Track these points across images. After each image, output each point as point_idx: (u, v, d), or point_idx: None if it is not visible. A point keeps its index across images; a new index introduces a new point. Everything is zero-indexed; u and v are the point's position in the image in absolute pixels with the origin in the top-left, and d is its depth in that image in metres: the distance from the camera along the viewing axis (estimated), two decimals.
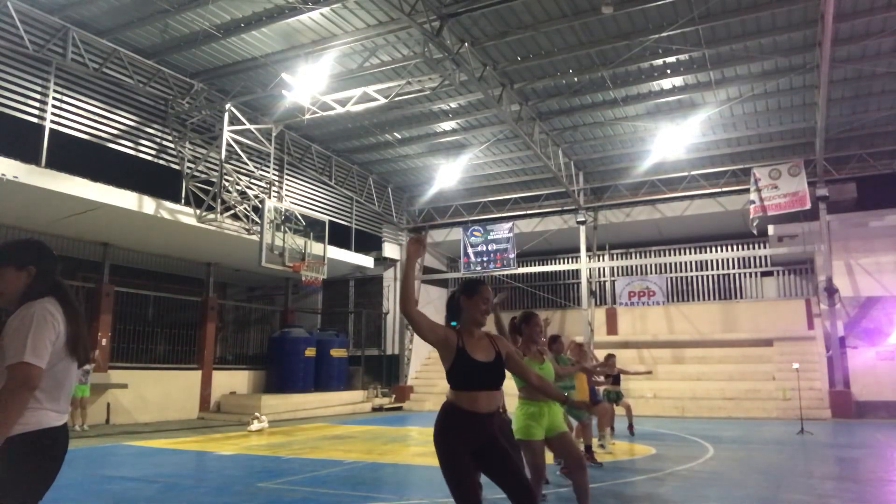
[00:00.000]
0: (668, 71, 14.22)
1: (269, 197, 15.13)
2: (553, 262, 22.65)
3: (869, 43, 12.73)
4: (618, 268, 22.27)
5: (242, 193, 15.35)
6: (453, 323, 3.50)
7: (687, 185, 19.33)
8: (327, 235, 16.75)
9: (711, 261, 21.34)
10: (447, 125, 17.32)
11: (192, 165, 15.40)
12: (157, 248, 16.27)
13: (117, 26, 12.78)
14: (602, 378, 11.13)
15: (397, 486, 7.60)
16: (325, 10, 12.01)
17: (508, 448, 3.43)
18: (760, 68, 13.99)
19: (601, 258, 22.15)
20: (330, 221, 17.68)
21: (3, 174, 10.68)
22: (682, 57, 13.52)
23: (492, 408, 3.40)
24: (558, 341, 7.83)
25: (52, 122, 12.74)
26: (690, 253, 21.09)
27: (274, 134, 16.16)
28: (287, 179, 18.38)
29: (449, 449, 3.28)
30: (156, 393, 15.47)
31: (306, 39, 13.13)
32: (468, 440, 3.30)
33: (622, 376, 11.95)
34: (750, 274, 21.30)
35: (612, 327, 21.60)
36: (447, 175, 19.23)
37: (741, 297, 21.10)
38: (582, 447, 8.41)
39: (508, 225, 20.87)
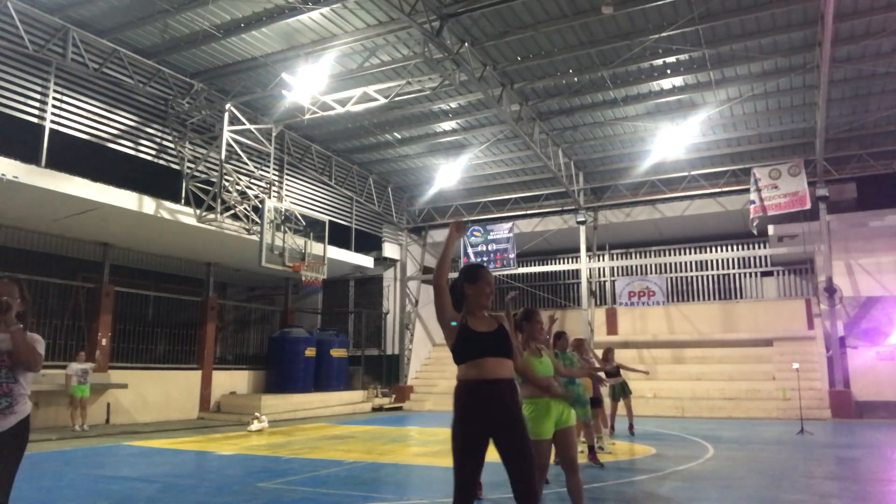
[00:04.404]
0: (668, 71, 14.22)
1: (269, 197, 15.12)
2: (553, 262, 22.66)
3: (869, 43, 12.73)
4: (618, 268, 22.27)
5: (242, 193, 15.35)
6: (453, 323, 3.50)
7: (687, 185, 19.33)
8: (327, 235, 16.74)
9: (711, 261, 21.35)
10: (447, 125, 17.32)
11: (192, 165, 15.40)
12: (157, 248, 16.27)
13: (117, 26, 12.79)
14: (604, 375, 11.15)
15: (397, 486, 7.60)
16: (325, 10, 12.01)
17: (527, 440, 3.36)
18: (760, 68, 13.99)
19: (601, 258, 22.15)
20: (330, 221, 17.68)
21: (3, 174, 10.68)
22: (682, 57, 13.52)
23: (501, 374, 3.38)
24: (563, 337, 7.81)
25: (52, 122, 12.74)
26: (690, 253, 21.09)
27: (274, 134, 16.16)
28: (287, 179, 18.38)
29: (459, 425, 3.31)
30: (156, 393, 15.47)
31: (306, 39, 13.13)
32: (481, 413, 3.29)
33: (622, 372, 11.93)
34: (750, 274, 21.30)
35: (612, 327, 21.59)
36: (447, 175, 19.22)
37: (741, 297, 21.10)
38: (585, 447, 8.41)
39: (508, 225, 20.87)
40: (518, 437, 3.32)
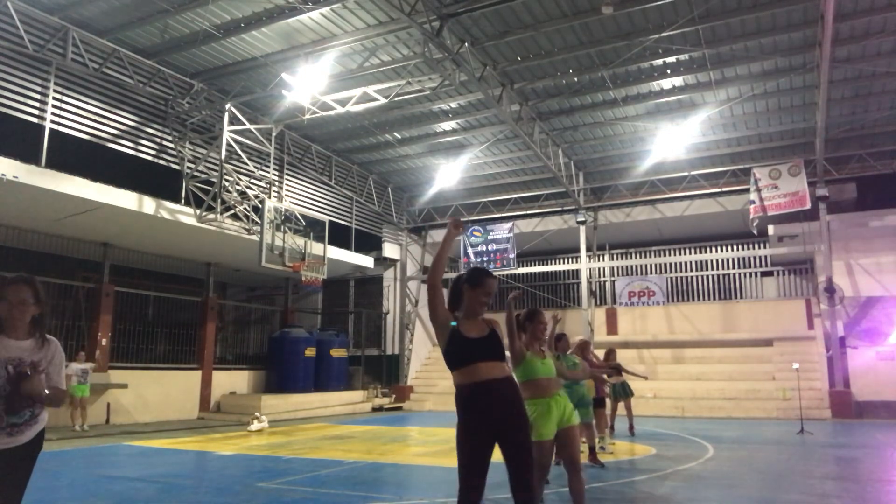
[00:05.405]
0: (668, 71, 14.21)
1: (269, 197, 15.13)
2: (553, 262, 22.65)
3: (869, 43, 12.73)
4: (618, 268, 22.27)
5: (242, 193, 15.35)
6: (452, 324, 3.50)
7: (687, 185, 19.33)
8: (327, 235, 16.74)
9: (711, 261, 21.35)
10: (447, 125, 17.32)
11: (192, 165, 15.39)
12: (157, 248, 16.27)
13: (117, 26, 12.79)
14: (607, 377, 11.15)
15: (397, 486, 7.60)
16: (325, 10, 12.01)
17: (529, 437, 3.44)
18: (760, 68, 13.98)
19: (601, 258, 22.15)
20: (330, 221, 17.68)
21: (3, 174, 10.68)
22: (682, 57, 13.52)
23: (494, 374, 3.40)
24: (563, 339, 7.79)
25: (52, 122, 12.74)
26: (690, 253, 21.09)
27: (274, 134, 16.16)
28: (287, 179, 18.38)
29: (464, 428, 3.34)
30: (156, 393, 15.46)
31: (306, 39, 13.13)
32: (485, 412, 3.32)
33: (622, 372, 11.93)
34: (750, 274, 21.30)
35: (612, 327, 21.59)
36: (447, 175, 19.22)
37: (741, 297, 21.10)
38: (585, 447, 8.40)
39: (508, 225, 20.86)
40: (523, 434, 3.37)
